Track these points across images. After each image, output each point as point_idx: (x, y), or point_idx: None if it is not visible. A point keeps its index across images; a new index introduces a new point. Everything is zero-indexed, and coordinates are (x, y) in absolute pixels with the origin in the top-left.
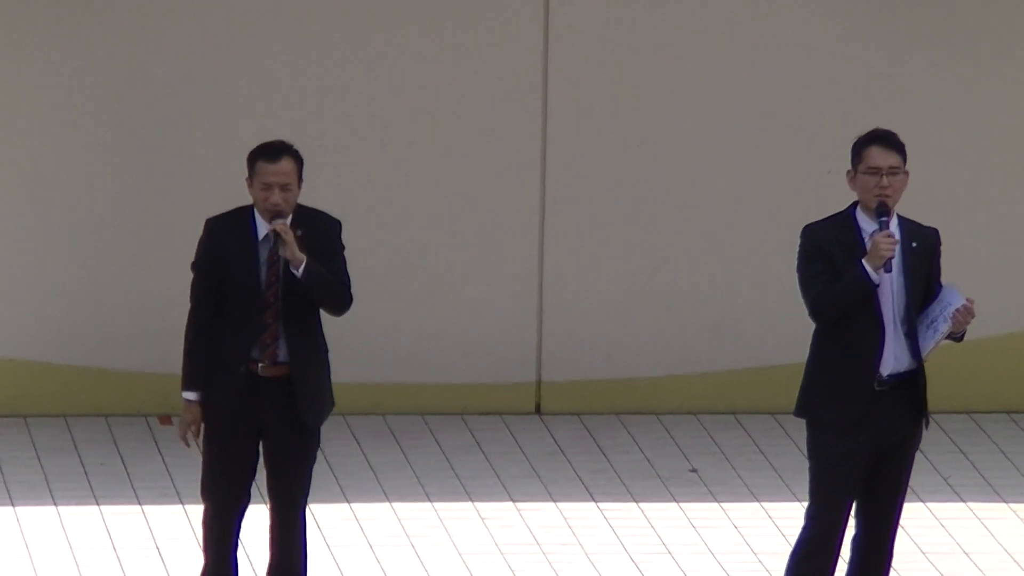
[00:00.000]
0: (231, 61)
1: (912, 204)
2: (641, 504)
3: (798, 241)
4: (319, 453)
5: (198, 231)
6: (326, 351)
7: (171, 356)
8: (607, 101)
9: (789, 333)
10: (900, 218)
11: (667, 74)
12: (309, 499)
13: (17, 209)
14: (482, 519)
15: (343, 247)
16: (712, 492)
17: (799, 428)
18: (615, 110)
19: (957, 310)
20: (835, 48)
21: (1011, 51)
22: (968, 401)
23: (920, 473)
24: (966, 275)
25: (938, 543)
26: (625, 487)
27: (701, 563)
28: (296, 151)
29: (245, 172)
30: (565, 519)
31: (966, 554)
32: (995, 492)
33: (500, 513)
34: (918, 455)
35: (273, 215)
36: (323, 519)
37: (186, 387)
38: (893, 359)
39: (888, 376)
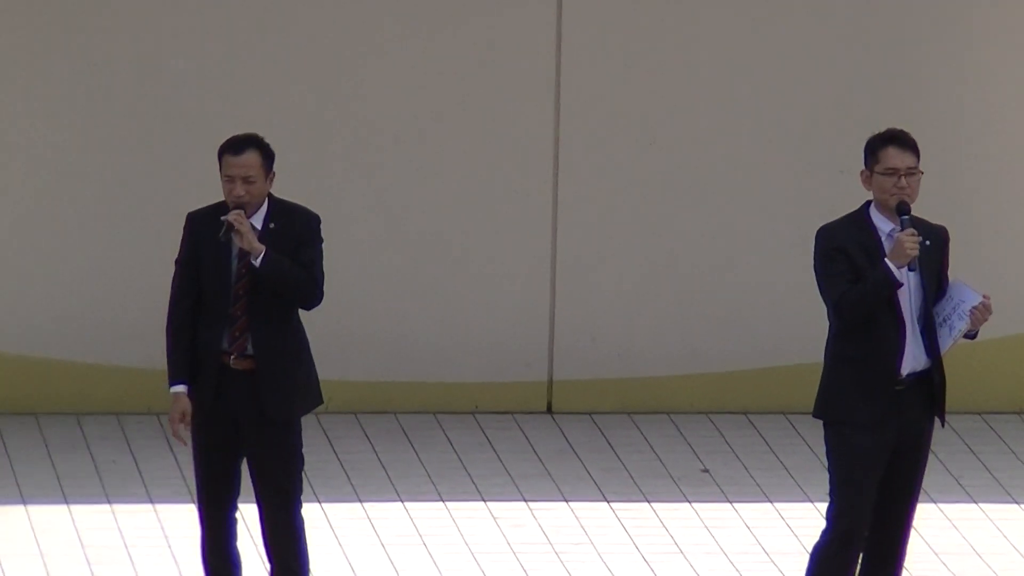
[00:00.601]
0: (242, 60)
1: (923, 203)
2: (653, 503)
3: (810, 241)
4: (332, 451)
5: None
6: (304, 344)
7: None
8: (619, 100)
9: (801, 333)
10: (911, 217)
11: (678, 73)
12: (321, 497)
13: (28, 207)
14: (494, 518)
15: (320, 241)
16: (724, 492)
17: (811, 428)
18: (627, 108)
19: (975, 307)
20: (847, 48)
21: (1016, 52)
22: (979, 401)
23: (932, 473)
24: (977, 275)
25: (950, 544)
26: (637, 486)
27: (713, 563)
28: (265, 144)
29: None
30: (577, 518)
31: (978, 555)
32: (1007, 492)
33: (512, 512)
34: (930, 456)
35: (235, 207)
36: (335, 518)
37: (172, 380)
38: (912, 358)
39: (907, 375)
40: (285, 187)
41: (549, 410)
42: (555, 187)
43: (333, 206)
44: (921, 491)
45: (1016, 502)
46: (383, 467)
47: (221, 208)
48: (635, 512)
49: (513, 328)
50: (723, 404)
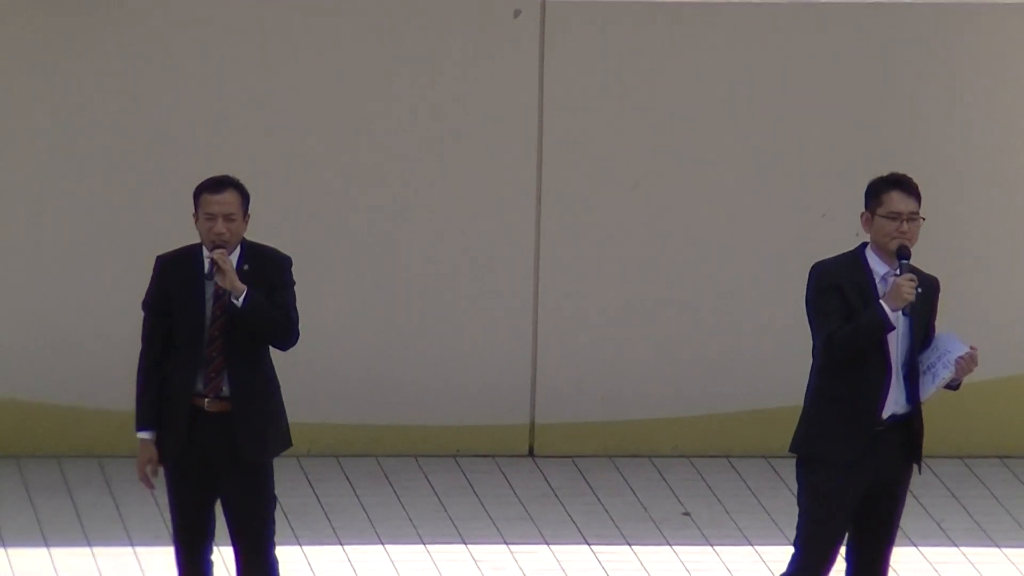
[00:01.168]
0: (224, 99)
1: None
2: (635, 547)
3: (793, 284)
4: (313, 495)
5: None
6: (276, 385)
7: None
8: (602, 142)
9: (783, 376)
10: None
11: (661, 115)
12: (303, 540)
13: (7, 247)
14: (475, 561)
15: (293, 283)
16: (705, 535)
17: (792, 471)
18: (610, 151)
19: (961, 357)
20: (832, 90)
21: (1000, 89)
22: (961, 445)
23: (913, 517)
24: (959, 319)
25: None
26: (618, 530)
27: None
28: (241, 185)
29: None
30: (558, 561)
31: None
32: (988, 537)
33: (493, 555)
34: (911, 499)
35: (216, 246)
36: (316, 561)
37: (139, 426)
38: (894, 402)
39: (887, 418)
40: (267, 226)
41: (531, 453)
42: (538, 230)
43: (315, 247)
44: (902, 535)
45: (997, 546)
46: (364, 510)
47: (193, 251)
48: (616, 556)
49: (495, 371)
50: (705, 448)
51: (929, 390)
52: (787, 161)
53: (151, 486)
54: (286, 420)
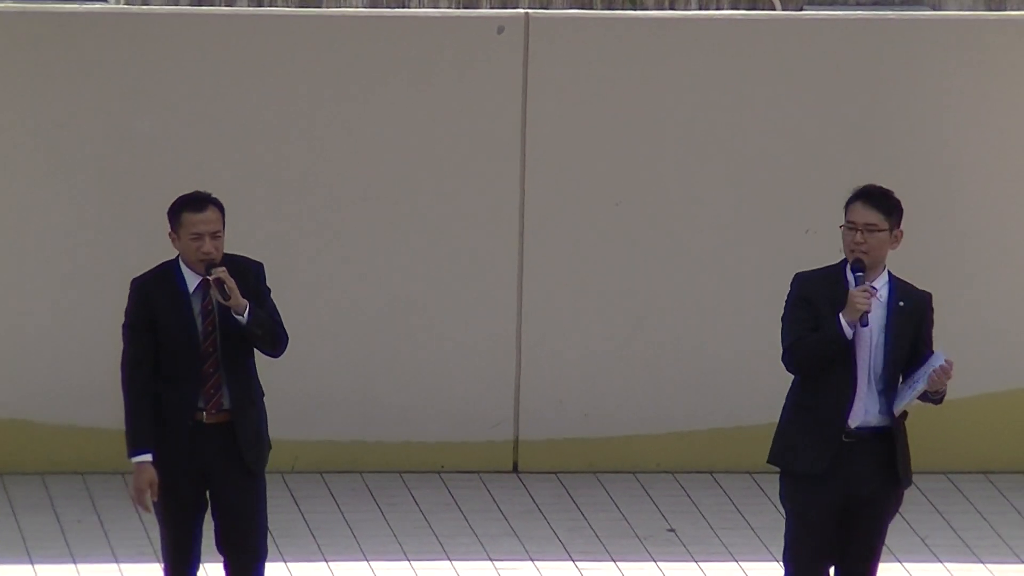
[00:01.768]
0: (207, 121)
1: (890, 264)
2: (619, 563)
3: (776, 300)
4: (297, 511)
5: None
6: (262, 395)
7: None
8: (585, 160)
9: (766, 392)
10: (892, 277)
11: (645, 132)
12: (287, 557)
13: None
14: None
15: (269, 288)
16: (690, 551)
17: (776, 487)
18: (593, 169)
19: (935, 369)
20: (816, 106)
21: (986, 105)
22: (945, 461)
23: (897, 534)
24: (943, 335)
25: None
26: (603, 546)
27: None
28: (218, 200)
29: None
30: None
31: None
32: (972, 553)
33: (478, 572)
34: (897, 516)
35: (207, 264)
36: None
37: (136, 449)
38: (864, 412)
39: (857, 428)
40: (249, 248)
41: (515, 470)
42: (521, 247)
43: (299, 267)
44: (886, 551)
45: (981, 562)
46: (349, 527)
47: (168, 269)
48: (601, 572)
49: (479, 387)
50: (689, 463)
51: (905, 397)
52: (770, 177)
53: (149, 510)
54: (267, 423)
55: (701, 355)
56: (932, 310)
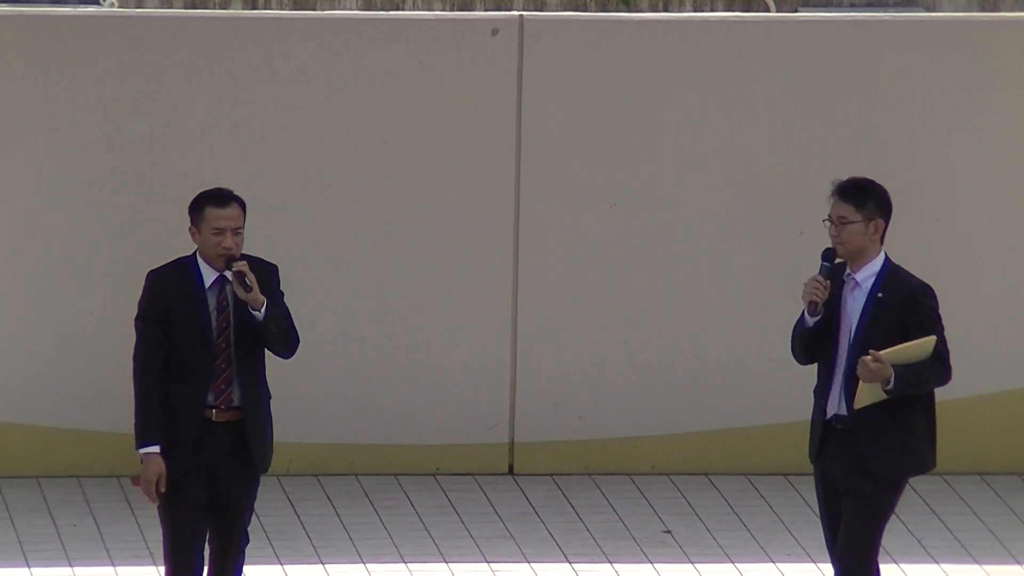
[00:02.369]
0: (202, 123)
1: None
2: (615, 565)
3: (772, 301)
4: (293, 513)
5: None
6: (269, 397)
7: None
8: (581, 160)
9: (762, 394)
10: (886, 269)
11: (640, 134)
12: (283, 559)
13: None
14: None
15: (282, 292)
16: (686, 553)
17: (773, 489)
18: (588, 171)
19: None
20: (809, 111)
21: (979, 107)
22: (941, 463)
23: (893, 534)
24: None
25: None
26: (599, 548)
27: None
28: (240, 198)
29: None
30: None
31: None
32: (968, 554)
33: (474, 574)
34: (893, 517)
35: (227, 259)
36: None
37: (145, 441)
38: (836, 402)
39: (831, 417)
40: (247, 249)
41: (511, 472)
42: (516, 250)
43: (295, 269)
44: (883, 552)
45: (977, 563)
46: (345, 529)
47: (185, 264)
48: (597, 574)
49: (474, 390)
50: (685, 465)
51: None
52: (765, 179)
53: (156, 501)
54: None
55: (696, 357)
56: (929, 302)
